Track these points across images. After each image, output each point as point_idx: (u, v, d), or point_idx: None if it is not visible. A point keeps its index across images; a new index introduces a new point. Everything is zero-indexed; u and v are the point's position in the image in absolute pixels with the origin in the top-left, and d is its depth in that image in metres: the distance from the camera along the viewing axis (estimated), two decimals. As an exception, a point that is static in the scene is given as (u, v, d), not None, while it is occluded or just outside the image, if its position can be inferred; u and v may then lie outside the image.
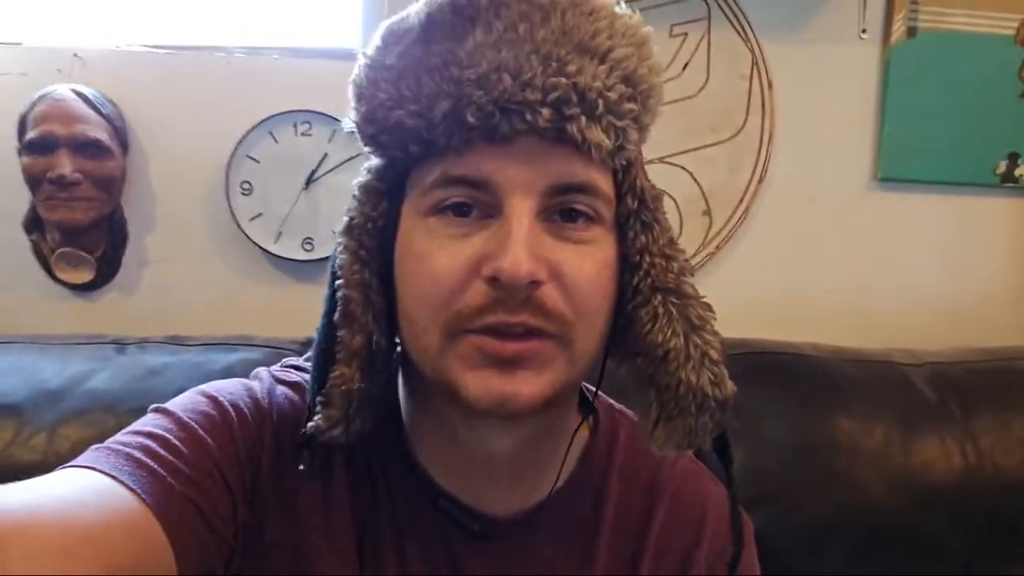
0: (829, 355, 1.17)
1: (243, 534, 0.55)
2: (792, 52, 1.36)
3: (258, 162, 1.30)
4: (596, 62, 0.47)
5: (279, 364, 0.64)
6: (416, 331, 0.51)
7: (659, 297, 0.52)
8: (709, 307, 0.53)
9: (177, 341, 1.15)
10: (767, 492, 1.05)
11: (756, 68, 1.36)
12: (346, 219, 0.54)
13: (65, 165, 1.22)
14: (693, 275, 0.54)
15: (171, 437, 0.52)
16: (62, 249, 1.29)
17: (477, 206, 0.49)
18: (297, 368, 0.62)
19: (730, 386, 0.52)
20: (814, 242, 1.41)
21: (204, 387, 0.58)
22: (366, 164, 0.55)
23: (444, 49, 0.47)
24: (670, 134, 1.35)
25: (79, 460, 0.49)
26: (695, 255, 1.38)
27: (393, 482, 0.59)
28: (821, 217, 1.41)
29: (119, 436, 0.52)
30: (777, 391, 1.12)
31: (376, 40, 0.51)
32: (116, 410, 1.01)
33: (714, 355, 0.52)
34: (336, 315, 0.53)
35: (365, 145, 0.52)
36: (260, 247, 1.32)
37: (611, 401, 0.66)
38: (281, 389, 0.60)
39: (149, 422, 0.54)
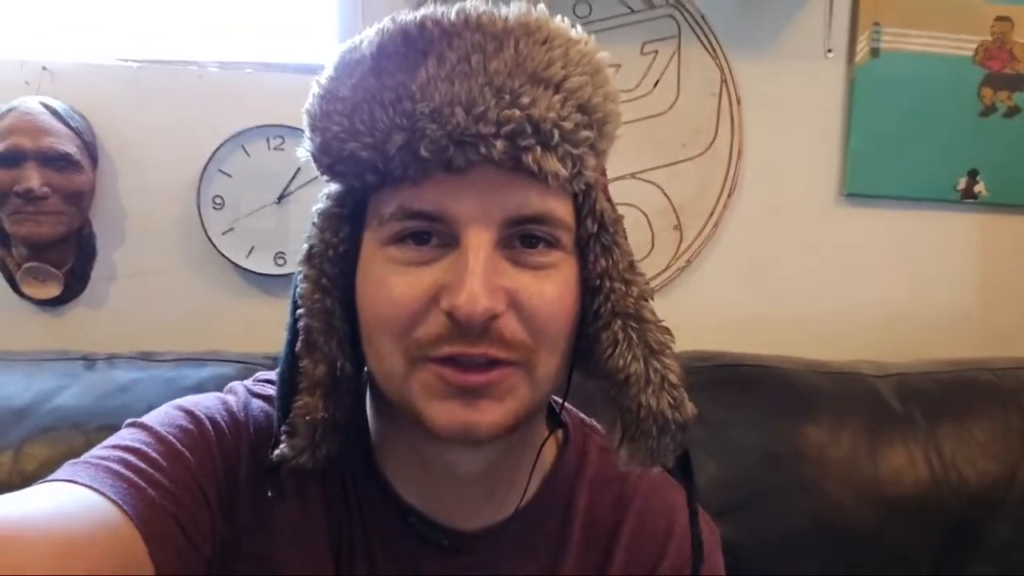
0: (797, 367, 1.19)
1: (221, 547, 0.55)
2: (760, 70, 1.39)
3: (230, 176, 1.30)
4: (550, 92, 0.47)
5: (252, 378, 0.64)
6: (378, 357, 0.51)
7: (619, 322, 0.52)
8: (668, 331, 0.54)
9: (147, 357, 1.14)
10: (736, 502, 1.07)
11: (725, 85, 1.38)
12: (305, 247, 0.54)
13: (33, 179, 1.20)
14: (653, 299, 0.54)
15: (150, 451, 0.52)
16: (29, 264, 1.27)
17: (436, 234, 0.49)
18: (270, 382, 0.62)
19: (690, 408, 0.52)
20: (782, 256, 1.43)
21: (180, 401, 0.58)
22: (324, 191, 0.55)
23: (397, 82, 0.47)
24: (641, 150, 1.37)
25: (57, 474, 0.49)
26: (666, 269, 1.39)
27: (364, 500, 0.59)
28: (789, 231, 1.43)
29: (96, 450, 0.52)
30: (746, 402, 1.13)
31: (329, 69, 0.51)
32: (85, 427, 0.99)
33: (673, 379, 0.52)
34: (298, 345, 0.53)
35: (322, 174, 0.53)
36: (232, 262, 1.31)
37: (582, 416, 0.67)
38: (257, 403, 0.60)
39: (126, 436, 0.53)
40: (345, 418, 0.55)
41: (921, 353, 1.30)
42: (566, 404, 0.64)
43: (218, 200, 1.30)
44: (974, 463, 1.11)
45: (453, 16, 0.48)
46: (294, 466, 0.53)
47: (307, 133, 0.52)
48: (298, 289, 0.54)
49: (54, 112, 1.23)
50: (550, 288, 0.50)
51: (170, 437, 0.53)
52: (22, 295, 1.29)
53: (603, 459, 0.64)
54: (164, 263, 1.32)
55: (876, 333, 1.44)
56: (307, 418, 0.52)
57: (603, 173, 0.55)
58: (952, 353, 1.30)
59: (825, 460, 1.09)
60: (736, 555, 1.03)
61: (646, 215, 1.38)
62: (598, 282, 0.52)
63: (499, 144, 0.46)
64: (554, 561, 0.61)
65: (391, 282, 0.49)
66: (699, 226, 1.40)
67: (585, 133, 0.49)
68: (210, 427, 0.56)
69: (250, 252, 1.31)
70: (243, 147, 1.29)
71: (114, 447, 0.52)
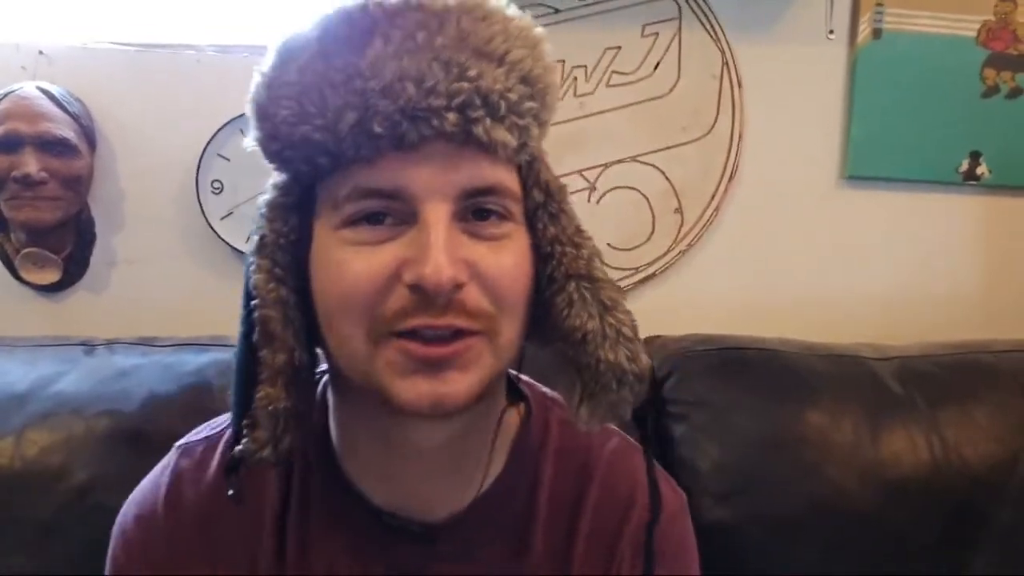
0: (798, 350, 1.19)
1: None
2: (761, 52, 1.37)
3: (229, 160, 1.29)
4: (495, 65, 0.49)
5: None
6: (341, 339, 0.51)
7: (573, 284, 0.54)
8: (619, 288, 0.56)
9: (147, 342, 1.14)
10: (737, 487, 1.07)
11: (726, 68, 1.37)
12: (256, 238, 0.54)
13: (31, 164, 1.20)
14: (602, 259, 0.56)
15: None
16: (28, 249, 1.27)
17: (391, 214, 0.49)
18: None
19: (644, 360, 0.54)
20: (784, 239, 1.43)
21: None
22: (270, 181, 0.55)
23: (346, 62, 0.48)
24: (642, 133, 1.36)
25: None
26: (667, 252, 1.38)
27: (324, 496, 0.60)
28: (790, 215, 1.42)
29: None
30: (747, 386, 1.13)
31: (270, 58, 0.52)
32: (84, 413, 0.98)
33: (628, 332, 0.54)
34: (255, 335, 0.53)
35: (269, 162, 0.53)
36: (231, 246, 1.30)
37: (544, 389, 0.68)
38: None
39: None
40: (306, 409, 0.55)
41: (923, 336, 1.30)
42: (528, 379, 0.66)
43: (217, 184, 1.29)
44: (976, 446, 1.11)
45: None
46: (256, 462, 0.52)
47: (253, 123, 0.52)
48: (252, 280, 0.54)
49: (51, 97, 1.22)
50: (507, 258, 0.51)
51: None
52: (21, 281, 1.29)
53: (566, 431, 0.65)
54: (163, 248, 1.32)
55: (877, 316, 1.43)
56: (270, 408, 0.52)
57: (541, 147, 0.57)
58: (954, 336, 1.30)
59: (826, 444, 1.09)
60: (736, 539, 1.04)
61: (647, 198, 1.37)
62: (549, 248, 0.54)
63: (451, 116, 0.47)
64: (523, 537, 0.62)
65: (350, 262, 0.49)
66: (700, 209, 1.39)
67: (529, 104, 0.51)
68: None
69: (249, 236, 1.30)
70: (242, 131, 1.29)
71: None
